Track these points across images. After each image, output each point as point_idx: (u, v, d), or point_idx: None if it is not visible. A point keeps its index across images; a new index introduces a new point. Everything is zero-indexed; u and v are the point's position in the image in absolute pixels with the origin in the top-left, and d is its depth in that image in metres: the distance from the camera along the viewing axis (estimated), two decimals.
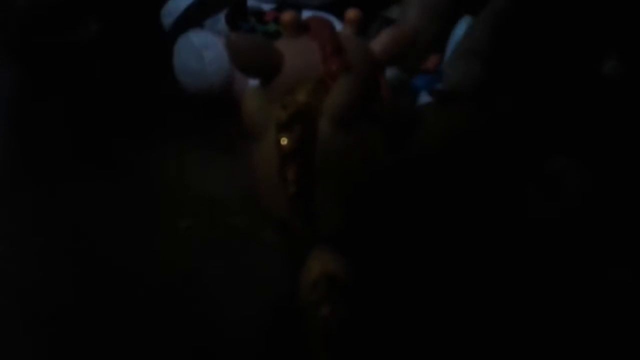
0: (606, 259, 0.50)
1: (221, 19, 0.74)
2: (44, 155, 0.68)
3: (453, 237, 0.50)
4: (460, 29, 0.67)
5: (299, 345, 0.43)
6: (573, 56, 0.60)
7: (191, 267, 0.52)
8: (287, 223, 0.44)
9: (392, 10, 0.76)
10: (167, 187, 0.63)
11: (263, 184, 0.44)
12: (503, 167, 0.51)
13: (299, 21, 0.48)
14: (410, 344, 0.46)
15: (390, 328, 0.46)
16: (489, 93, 0.59)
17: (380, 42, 0.49)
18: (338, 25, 0.52)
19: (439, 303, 0.48)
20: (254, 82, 0.50)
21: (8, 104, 0.81)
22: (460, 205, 0.49)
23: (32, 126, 0.74)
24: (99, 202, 0.60)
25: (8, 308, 0.49)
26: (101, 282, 0.51)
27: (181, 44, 0.74)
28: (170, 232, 0.56)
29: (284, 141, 0.41)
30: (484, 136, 0.49)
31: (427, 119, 0.46)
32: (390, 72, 0.61)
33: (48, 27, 0.86)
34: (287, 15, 0.48)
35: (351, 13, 0.50)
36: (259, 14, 0.74)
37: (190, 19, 0.75)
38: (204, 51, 0.72)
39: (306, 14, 0.73)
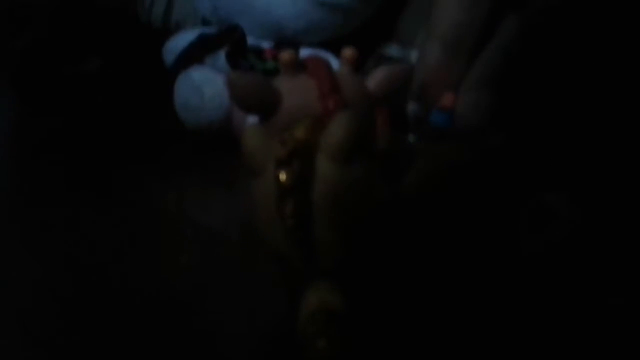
0: (599, 290, 0.51)
1: (222, 56, 0.74)
2: (43, 188, 0.68)
3: (449, 271, 0.50)
4: None
5: None
6: (579, 92, 0.61)
7: (190, 301, 0.52)
8: (285, 256, 0.44)
9: (390, 47, 0.77)
10: (166, 220, 0.63)
11: (262, 217, 0.44)
12: (493, 203, 0.51)
13: (298, 60, 0.49)
14: None
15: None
16: (496, 125, 0.58)
17: (374, 79, 0.51)
18: (335, 63, 0.53)
19: (436, 336, 0.48)
20: (252, 119, 0.51)
21: (8, 135, 0.81)
22: (452, 242, 0.50)
23: (31, 157, 0.75)
24: (97, 234, 0.60)
25: (4, 337, 0.49)
26: (97, 314, 0.51)
27: (182, 81, 0.74)
28: (170, 265, 0.57)
29: (282, 177, 0.42)
30: (471, 174, 0.50)
31: (414, 157, 0.47)
32: (410, 107, 0.62)
33: (49, 63, 0.87)
34: (286, 55, 0.50)
35: (347, 52, 0.51)
36: (259, 52, 0.75)
37: (191, 57, 0.76)
38: (204, 88, 0.72)
39: (304, 51, 0.74)
